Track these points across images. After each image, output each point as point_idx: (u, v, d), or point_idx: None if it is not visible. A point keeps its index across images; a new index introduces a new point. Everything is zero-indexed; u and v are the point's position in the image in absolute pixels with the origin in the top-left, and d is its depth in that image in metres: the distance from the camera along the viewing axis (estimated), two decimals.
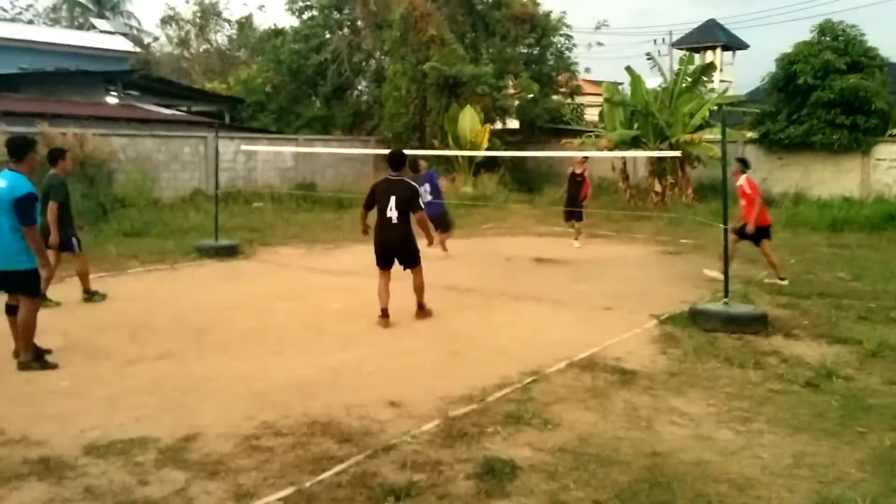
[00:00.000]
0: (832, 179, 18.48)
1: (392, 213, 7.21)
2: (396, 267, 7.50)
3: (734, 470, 4.10)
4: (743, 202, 9.51)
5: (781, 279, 9.34)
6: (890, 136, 18.43)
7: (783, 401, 5.20)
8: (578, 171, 13.20)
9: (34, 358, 5.81)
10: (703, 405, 5.12)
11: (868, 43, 18.31)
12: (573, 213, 13.18)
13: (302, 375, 5.71)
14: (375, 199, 7.37)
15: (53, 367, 5.81)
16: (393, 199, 7.20)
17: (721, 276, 9.28)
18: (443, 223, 11.72)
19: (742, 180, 9.46)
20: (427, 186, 11.45)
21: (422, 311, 7.57)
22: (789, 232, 14.59)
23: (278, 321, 7.45)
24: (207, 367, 5.89)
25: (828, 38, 18.35)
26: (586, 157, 13.96)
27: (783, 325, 7.24)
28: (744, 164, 9.74)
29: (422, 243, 7.82)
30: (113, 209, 14.19)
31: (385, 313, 7.27)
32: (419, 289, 7.50)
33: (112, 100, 22.90)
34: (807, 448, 4.41)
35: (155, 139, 17.47)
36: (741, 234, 9.45)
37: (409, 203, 7.25)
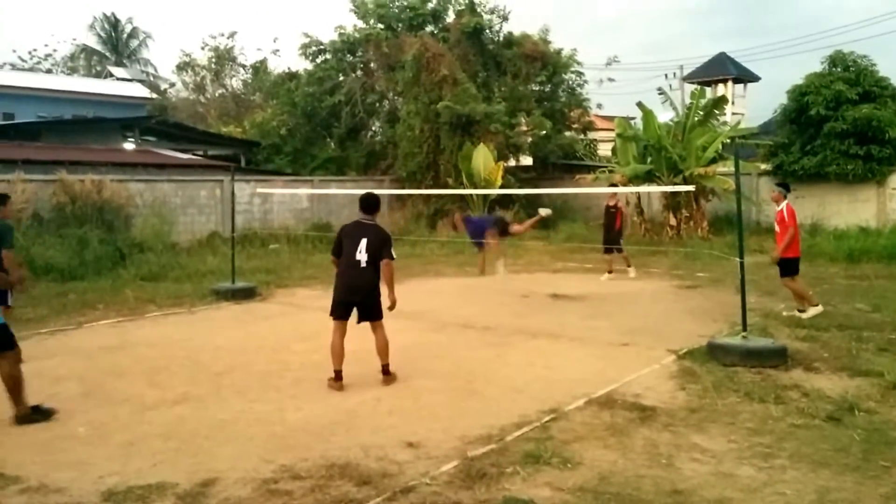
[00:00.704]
0: (848, 210, 18.39)
1: (361, 255, 6.51)
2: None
3: None
4: (778, 229, 9.36)
5: (801, 311, 9.24)
6: None
7: (805, 435, 5.13)
8: (611, 203, 13.56)
9: (33, 410, 5.69)
10: (725, 441, 5.06)
11: (880, 73, 18.38)
12: (609, 245, 13.54)
13: (319, 417, 5.70)
14: (343, 241, 6.66)
15: (53, 412, 5.75)
16: (364, 241, 6.53)
17: (810, 314, 9.19)
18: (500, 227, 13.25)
19: (783, 206, 9.23)
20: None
21: (388, 375, 6.68)
22: (806, 263, 14.45)
23: (295, 363, 7.45)
24: (225, 411, 5.90)
25: (839, 69, 18.43)
26: (616, 191, 14.19)
27: (803, 358, 7.16)
28: (786, 189, 9.55)
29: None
30: (131, 254, 14.35)
31: (339, 375, 6.50)
32: (383, 349, 6.65)
33: (129, 146, 23.34)
34: (830, 483, 4.33)
35: (172, 183, 17.75)
36: (784, 270, 9.33)
37: (381, 248, 6.55)
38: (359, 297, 6.59)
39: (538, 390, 6.30)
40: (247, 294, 11.59)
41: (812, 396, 5.97)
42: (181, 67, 34.02)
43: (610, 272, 13.40)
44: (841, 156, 17.76)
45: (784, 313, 9.40)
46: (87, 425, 5.57)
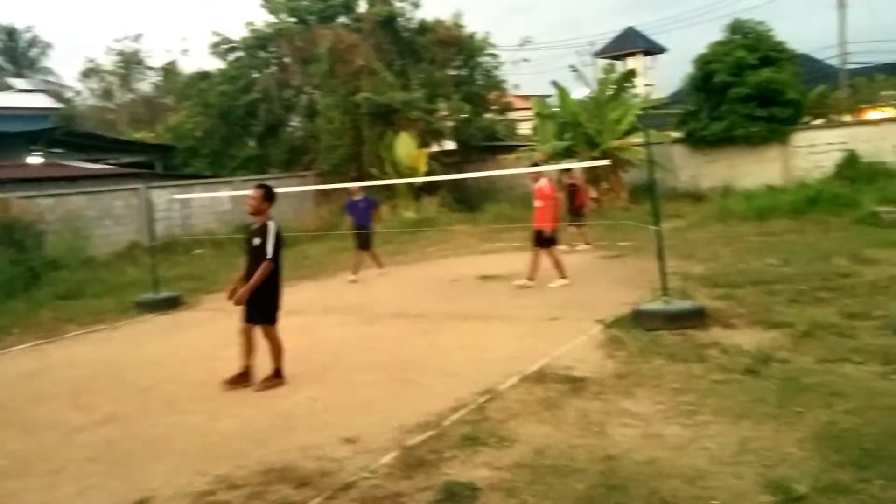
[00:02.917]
0: (756, 170, 19.18)
1: None
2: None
3: (684, 464, 4.21)
4: (539, 204, 10.14)
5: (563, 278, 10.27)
6: (803, 123, 19.24)
7: (725, 390, 5.36)
8: (569, 181, 14.24)
9: None
10: (651, 404, 5.24)
11: (776, 37, 19.16)
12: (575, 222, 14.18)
13: (255, 423, 5.63)
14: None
15: None
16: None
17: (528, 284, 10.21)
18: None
19: (541, 183, 10.17)
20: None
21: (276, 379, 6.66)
22: (721, 224, 15.08)
23: (226, 370, 7.26)
24: (155, 426, 5.76)
25: (739, 37, 19.12)
26: (571, 168, 14.65)
27: (721, 315, 7.47)
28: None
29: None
30: (45, 273, 13.77)
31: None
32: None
33: (36, 160, 22.32)
34: (750, 434, 4.56)
35: (84, 196, 17.15)
36: (540, 242, 10.21)
37: None
38: None
39: (472, 372, 6.38)
40: (171, 304, 11.29)
41: (730, 352, 6.24)
42: (86, 74, 32.77)
43: (587, 243, 13.90)
44: (746, 119, 18.50)
45: (514, 283, 10.40)
46: (9, 457, 5.35)
